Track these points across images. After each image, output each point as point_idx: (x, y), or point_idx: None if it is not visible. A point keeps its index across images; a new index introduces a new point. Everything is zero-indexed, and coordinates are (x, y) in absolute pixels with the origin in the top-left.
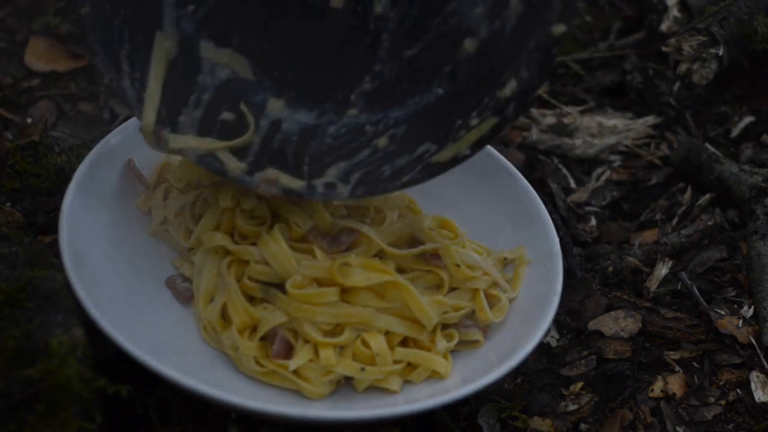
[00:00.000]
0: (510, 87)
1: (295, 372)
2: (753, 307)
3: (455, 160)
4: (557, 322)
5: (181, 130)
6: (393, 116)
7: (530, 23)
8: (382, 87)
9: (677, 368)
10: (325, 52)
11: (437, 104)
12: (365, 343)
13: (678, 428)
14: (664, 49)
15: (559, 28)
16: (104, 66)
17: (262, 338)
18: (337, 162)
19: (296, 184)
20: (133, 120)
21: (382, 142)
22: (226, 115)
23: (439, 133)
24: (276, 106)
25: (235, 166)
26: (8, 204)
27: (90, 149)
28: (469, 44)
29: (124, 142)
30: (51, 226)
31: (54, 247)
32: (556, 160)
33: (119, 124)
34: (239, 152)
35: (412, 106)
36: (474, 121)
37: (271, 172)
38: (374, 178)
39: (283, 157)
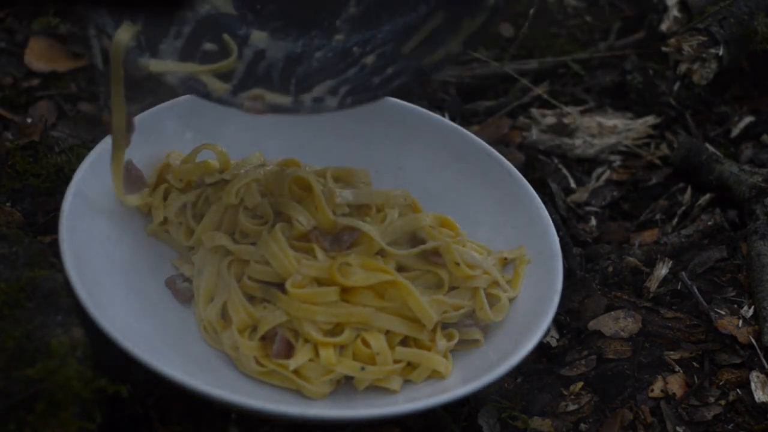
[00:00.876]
0: None
1: (296, 371)
2: (753, 307)
3: (448, 58)
4: (557, 322)
5: (161, 57)
6: (380, 36)
7: None
8: (368, 9)
9: (677, 368)
10: None
11: (424, 18)
12: (365, 343)
13: (678, 428)
14: (664, 49)
15: None
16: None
17: (263, 338)
18: (324, 80)
19: (282, 99)
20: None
21: (369, 59)
22: (209, 46)
23: (428, 43)
24: (259, 38)
25: (219, 86)
26: (8, 204)
27: (90, 149)
28: None
29: None
30: (51, 226)
31: (54, 247)
32: (556, 160)
33: None
34: (223, 76)
35: (399, 24)
36: (464, 22)
37: (256, 91)
38: (364, 88)
39: (269, 80)
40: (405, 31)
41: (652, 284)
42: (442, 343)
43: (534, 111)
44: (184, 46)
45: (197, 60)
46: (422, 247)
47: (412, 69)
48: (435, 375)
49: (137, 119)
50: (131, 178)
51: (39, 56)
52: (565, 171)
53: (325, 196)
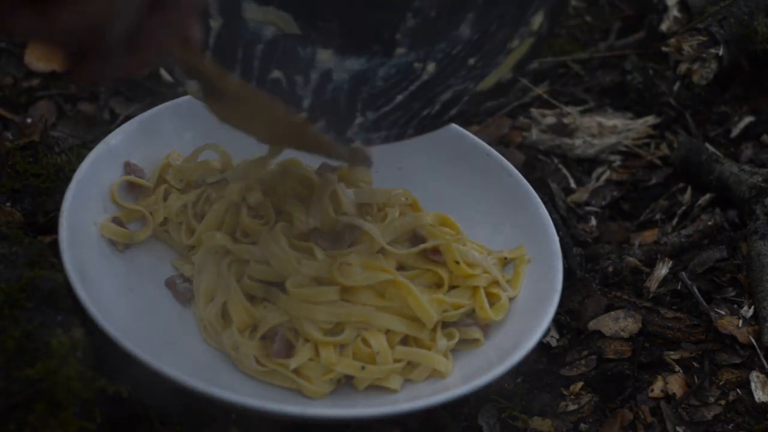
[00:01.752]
0: (542, 3)
1: (296, 371)
2: (753, 307)
3: (499, 87)
4: (557, 322)
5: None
6: (439, 49)
7: None
8: (425, 22)
9: (677, 368)
10: None
11: (478, 32)
12: (365, 342)
13: (678, 428)
14: (664, 49)
15: None
16: None
17: (263, 337)
18: (389, 102)
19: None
20: (133, 120)
21: (430, 68)
22: (276, 74)
23: (480, 62)
24: (325, 57)
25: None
26: (8, 204)
27: (90, 149)
28: None
29: (124, 143)
30: (51, 226)
31: (54, 247)
32: (556, 160)
33: (119, 124)
34: (293, 103)
35: (456, 38)
36: (512, 44)
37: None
38: (425, 116)
39: (336, 107)
40: (459, 50)
41: (652, 284)
42: (442, 342)
43: (534, 111)
44: (256, 84)
45: (267, 89)
46: (423, 246)
47: (468, 94)
48: (435, 374)
49: (137, 119)
50: (131, 178)
51: (39, 56)
52: (565, 171)
53: (329, 195)
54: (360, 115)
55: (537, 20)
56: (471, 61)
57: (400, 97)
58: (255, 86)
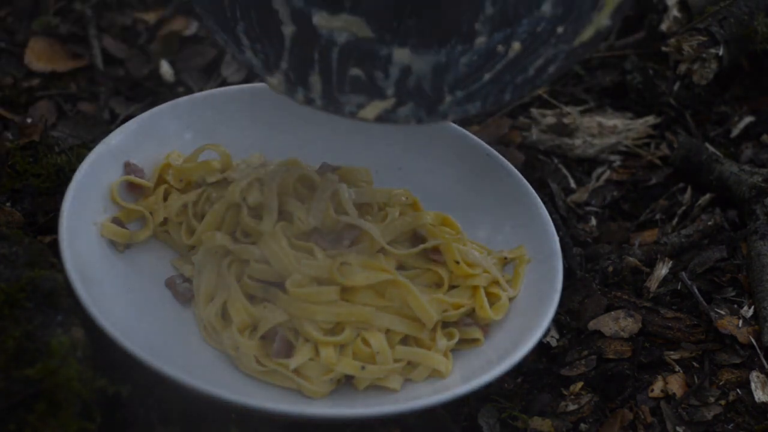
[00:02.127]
0: None
1: (296, 371)
2: (753, 307)
3: (599, 35)
4: (557, 322)
5: (313, 89)
6: (522, 30)
7: None
8: (505, 6)
9: (677, 368)
10: None
11: (561, 6)
12: (365, 342)
13: (678, 428)
14: (664, 49)
15: None
16: (224, 43)
17: (263, 337)
18: (477, 81)
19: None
20: (133, 120)
21: (516, 47)
22: (355, 71)
23: (570, 27)
24: (402, 55)
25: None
26: (8, 204)
27: (90, 149)
28: None
29: (124, 143)
30: (51, 226)
31: (54, 247)
32: (556, 160)
33: (119, 124)
34: (376, 94)
35: (538, 16)
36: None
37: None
38: (520, 82)
39: (422, 92)
40: (543, 26)
41: (652, 284)
42: (442, 342)
43: (534, 111)
44: (337, 80)
45: (347, 86)
46: (422, 246)
47: (564, 52)
48: (435, 374)
49: (137, 119)
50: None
51: (39, 56)
52: (565, 171)
53: (330, 194)
54: (449, 95)
55: None
56: (559, 29)
57: (488, 76)
58: (336, 84)
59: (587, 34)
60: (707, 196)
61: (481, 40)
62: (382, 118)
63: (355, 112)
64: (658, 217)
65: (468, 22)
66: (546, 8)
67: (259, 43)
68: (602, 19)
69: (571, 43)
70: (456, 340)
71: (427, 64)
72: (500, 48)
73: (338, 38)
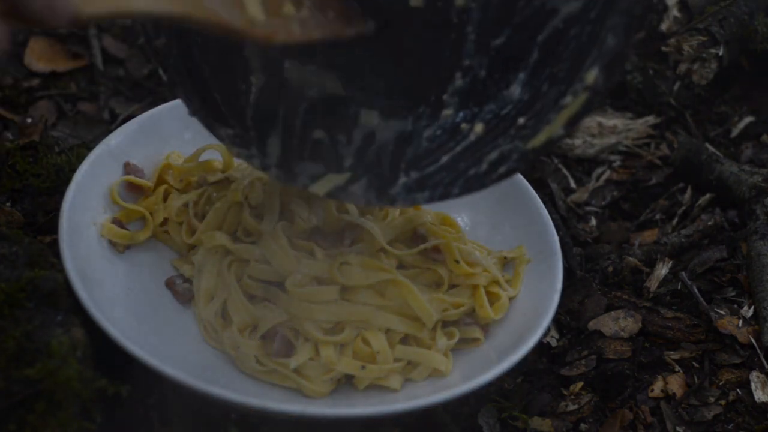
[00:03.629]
0: (597, 59)
1: (296, 370)
2: (753, 307)
3: (550, 143)
4: (557, 322)
5: (271, 149)
6: (488, 110)
7: None
8: (475, 82)
9: (677, 368)
10: (411, 55)
11: (529, 92)
12: (366, 341)
13: (678, 428)
14: (664, 49)
15: None
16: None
17: (263, 337)
18: (433, 163)
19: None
20: (133, 120)
21: (478, 129)
22: (319, 134)
23: (531, 121)
24: (369, 118)
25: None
26: (8, 204)
27: (90, 149)
28: (555, 23)
29: (124, 143)
30: (51, 226)
31: (54, 247)
32: (556, 160)
33: (119, 125)
34: (333, 165)
35: (506, 98)
36: (565, 101)
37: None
38: (471, 175)
39: (379, 167)
40: (509, 110)
41: (652, 284)
42: (442, 341)
43: None
44: (298, 143)
45: (307, 151)
46: (422, 246)
47: (518, 152)
48: (435, 373)
49: (137, 119)
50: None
51: (39, 56)
52: (565, 171)
53: None
54: (404, 175)
55: (591, 75)
56: (521, 120)
57: (445, 158)
58: (297, 144)
59: (541, 138)
60: (707, 196)
61: (447, 113)
62: (332, 195)
63: (308, 184)
64: (658, 217)
65: (437, 91)
66: (514, 90)
67: (221, 93)
68: (556, 127)
69: (526, 143)
70: (456, 339)
71: (391, 131)
72: (464, 126)
73: (308, 92)
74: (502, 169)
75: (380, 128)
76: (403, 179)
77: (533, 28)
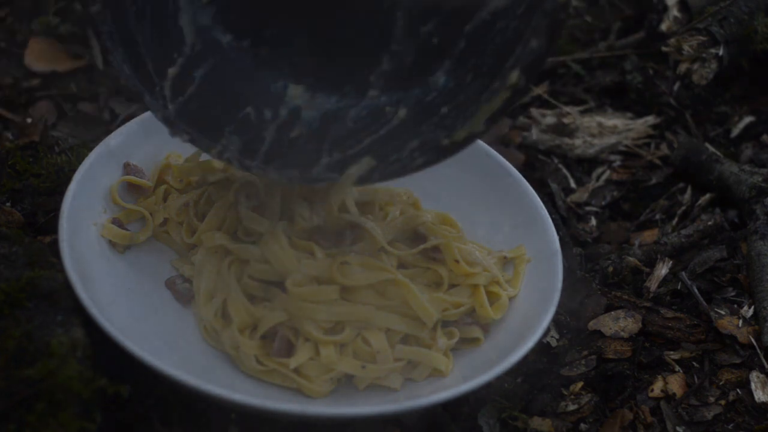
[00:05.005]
0: (520, 57)
1: (296, 370)
2: (753, 307)
3: (471, 138)
4: (557, 322)
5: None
6: (412, 95)
7: None
8: (401, 66)
9: (677, 368)
10: (342, 35)
11: (453, 81)
12: (366, 341)
13: (678, 428)
14: (664, 49)
15: None
16: (117, 60)
17: (263, 337)
18: (358, 144)
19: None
20: (133, 120)
21: (401, 114)
22: (248, 110)
23: (453, 111)
24: (296, 92)
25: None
26: (8, 204)
27: (90, 149)
28: (483, 14)
29: (124, 143)
30: (51, 226)
31: (54, 247)
32: (556, 160)
33: (119, 125)
34: (251, 146)
35: (430, 85)
36: (486, 96)
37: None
38: (393, 160)
39: (302, 145)
40: (433, 96)
41: (652, 284)
42: (442, 341)
43: (534, 111)
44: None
45: (235, 127)
46: (422, 246)
47: (438, 143)
48: (435, 373)
49: (137, 119)
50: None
51: (39, 56)
52: (565, 171)
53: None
54: (326, 156)
55: (514, 75)
56: (444, 109)
57: (368, 140)
58: (228, 120)
59: (462, 133)
60: (707, 196)
61: (372, 94)
62: (252, 170)
63: (230, 157)
64: (658, 217)
65: (363, 72)
66: (439, 77)
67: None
68: (478, 122)
69: (449, 134)
70: (456, 339)
71: (317, 109)
72: (388, 109)
73: (240, 64)
74: (420, 160)
75: (306, 104)
76: (325, 159)
77: (462, 17)
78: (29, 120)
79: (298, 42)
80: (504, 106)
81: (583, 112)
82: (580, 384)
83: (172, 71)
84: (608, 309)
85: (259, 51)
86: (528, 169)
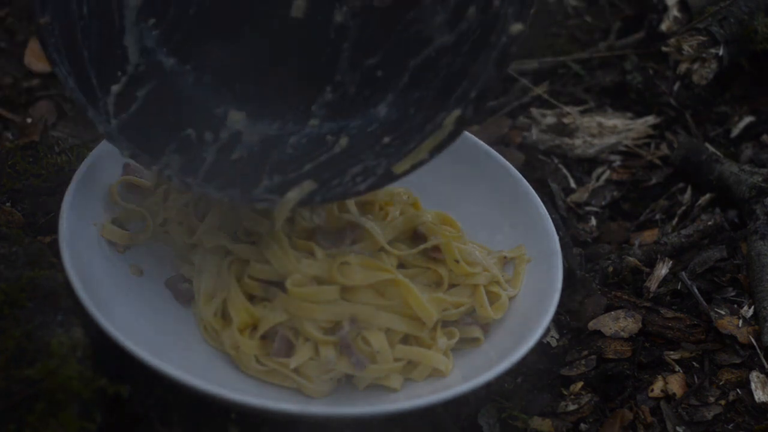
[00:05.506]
0: (467, 90)
1: (296, 370)
2: (753, 307)
3: (414, 167)
4: (557, 322)
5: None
6: (354, 125)
7: (488, 28)
8: (344, 97)
9: (677, 368)
10: (286, 63)
11: (396, 113)
12: (366, 341)
13: (678, 428)
14: (664, 49)
15: (516, 27)
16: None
17: (263, 337)
18: (298, 169)
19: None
20: None
21: (342, 143)
22: (189, 131)
23: (396, 141)
24: (236, 118)
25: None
26: (8, 204)
27: (90, 149)
28: (428, 51)
29: None
30: (51, 226)
31: (54, 247)
32: (556, 160)
33: None
34: (191, 164)
35: (372, 116)
36: (430, 128)
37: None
38: (334, 185)
39: (242, 167)
40: (374, 128)
41: (652, 284)
42: (442, 341)
43: (534, 111)
44: (173, 131)
45: (176, 146)
46: (422, 246)
47: (382, 168)
48: (435, 373)
49: None
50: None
51: (39, 56)
52: (565, 171)
53: None
54: (267, 178)
55: (457, 111)
56: (386, 139)
57: (309, 166)
58: (169, 139)
59: (406, 164)
60: (707, 196)
61: (313, 123)
62: (191, 189)
63: (171, 175)
64: (658, 217)
65: (306, 101)
66: (381, 110)
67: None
68: (422, 153)
69: (391, 161)
70: (456, 339)
71: (257, 134)
72: (329, 138)
73: (181, 85)
74: (363, 185)
75: (246, 130)
76: (266, 182)
77: (407, 52)
78: (29, 120)
79: (241, 69)
80: (449, 137)
81: (583, 112)
82: (580, 384)
83: (115, 89)
84: (608, 309)
85: (202, 76)
86: (528, 169)
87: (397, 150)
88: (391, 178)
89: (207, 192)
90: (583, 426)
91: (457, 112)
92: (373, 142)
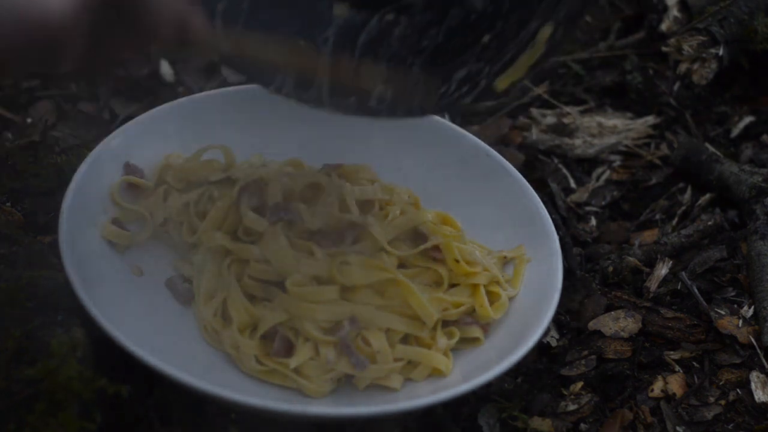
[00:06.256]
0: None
1: (296, 370)
2: (753, 307)
3: (513, 85)
4: (557, 322)
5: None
6: (453, 14)
7: None
8: None
9: (677, 368)
10: None
11: (491, 6)
12: (366, 341)
13: (678, 428)
14: (664, 49)
15: None
16: None
17: (263, 336)
18: (404, 55)
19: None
20: (133, 121)
21: (441, 38)
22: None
23: (494, 43)
24: (340, 11)
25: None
26: (8, 204)
27: (90, 149)
28: None
29: (124, 143)
30: (51, 226)
31: (54, 247)
32: (556, 160)
33: (119, 124)
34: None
35: (470, 5)
36: (524, 34)
37: None
38: (442, 94)
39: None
40: (474, 18)
41: (652, 284)
42: (442, 340)
43: (534, 111)
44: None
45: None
46: (422, 246)
47: (484, 82)
48: (435, 373)
49: (137, 119)
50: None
51: None
52: (565, 171)
53: (336, 196)
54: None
55: (548, 27)
56: (486, 38)
57: (415, 64)
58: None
59: (504, 82)
60: (707, 196)
61: (417, 7)
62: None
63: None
64: (658, 217)
65: None
66: (477, 1)
67: None
68: (519, 71)
69: (492, 68)
70: (456, 339)
71: (363, 31)
72: (432, 31)
73: None
74: (468, 98)
75: (350, 25)
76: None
77: None
78: (29, 120)
79: None
80: (542, 57)
81: (583, 112)
82: (580, 384)
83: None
84: (608, 309)
85: None
86: (528, 169)
87: (496, 56)
88: (492, 94)
89: (323, 105)
90: (583, 426)
91: (549, 28)
92: (472, 40)
